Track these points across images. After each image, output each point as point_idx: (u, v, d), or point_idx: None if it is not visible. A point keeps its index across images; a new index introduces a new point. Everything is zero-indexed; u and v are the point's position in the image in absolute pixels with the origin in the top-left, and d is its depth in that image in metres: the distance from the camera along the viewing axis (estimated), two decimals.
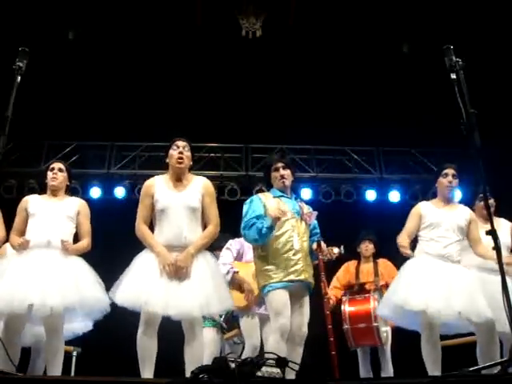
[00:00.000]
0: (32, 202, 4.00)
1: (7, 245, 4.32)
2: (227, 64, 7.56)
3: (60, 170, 4.06)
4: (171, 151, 3.72)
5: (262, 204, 3.79)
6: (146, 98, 7.82)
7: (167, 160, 3.76)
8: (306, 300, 3.76)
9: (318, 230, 4.01)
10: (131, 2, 6.90)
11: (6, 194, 7.77)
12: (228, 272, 4.46)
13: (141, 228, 3.62)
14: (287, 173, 3.91)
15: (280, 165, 3.92)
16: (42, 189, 7.46)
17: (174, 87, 7.67)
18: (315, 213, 3.94)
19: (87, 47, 7.19)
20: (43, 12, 6.64)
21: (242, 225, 3.78)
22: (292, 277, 3.63)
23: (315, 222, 3.99)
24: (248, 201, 3.89)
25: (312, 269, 3.81)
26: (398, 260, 5.01)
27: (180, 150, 3.68)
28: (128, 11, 6.96)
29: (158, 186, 3.68)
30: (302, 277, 3.65)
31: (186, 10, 6.96)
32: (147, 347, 3.41)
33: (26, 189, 7.72)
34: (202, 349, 3.57)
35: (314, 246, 3.84)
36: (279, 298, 3.59)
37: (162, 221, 3.60)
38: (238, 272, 4.49)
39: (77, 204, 4.06)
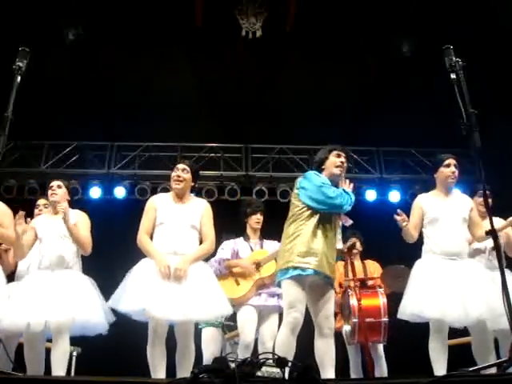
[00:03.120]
0: (39, 224, 4.05)
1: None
2: (227, 64, 7.56)
3: (59, 186, 4.14)
4: (172, 173, 3.95)
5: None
6: (146, 98, 7.82)
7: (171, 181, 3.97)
8: (330, 294, 3.62)
9: None
10: (131, 3, 6.90)
11: (6, 194, 7.77)
12: (219, 263, 4.55)
13: (141, 238, 3.78)
14: (345, 166, 3.76)
15: (344, 154, 3.77)
16: (42, 190, 7.50)
17: (174, 87, 7.68)
18: (350, 221, 3.80)
19: (87, 47, 7.18)
20: (43, 12, 6.63)
21: (330, 194, 3.55)
22: (313, 267, 3.48)
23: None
24: (310, 175, 3.68)
25: (333, 262, 3.65)
26: (398, 259, 5.02)
27: (178, 173, 3.89)
28: (128, 12, 6.96)
29: (162, 200, 3.92)
30: (323, 270, 3.51)
31: (186, 11, 6.95)
32: (156, 355, 3.54)
33: (26, 189, 7.73)
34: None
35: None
36: (295, 292, 3.49)
37: (160, 232, 3.78)
38: (228, 259, 4.60)
39: (75, 218, 4.05)
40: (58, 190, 4.11)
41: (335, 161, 3.72)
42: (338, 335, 5.10)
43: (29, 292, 3.77)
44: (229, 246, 4.73)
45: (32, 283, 3.83)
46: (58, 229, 3.96)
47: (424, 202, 4.06)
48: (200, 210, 3.89)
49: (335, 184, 3.70)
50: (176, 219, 3.78)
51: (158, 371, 3.54)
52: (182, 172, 3.89)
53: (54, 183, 4.15)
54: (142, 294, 3.50)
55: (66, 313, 3.69)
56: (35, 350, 3.76)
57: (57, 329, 3.68)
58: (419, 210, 4.04)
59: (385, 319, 4.78)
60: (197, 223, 3.83)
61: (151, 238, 3.81)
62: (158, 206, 3.86)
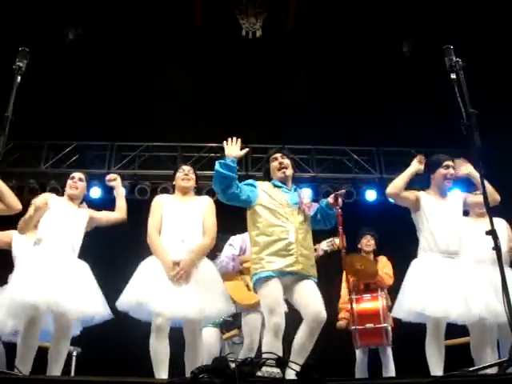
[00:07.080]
0: (55, 203, 4.11)
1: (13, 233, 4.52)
2: (227, 64, 7.56)
3: (80, 179, 4.25)
4: (177, 174, 4.13)
5: (256, 188, 3.82)
6: (146, 98, 7.82)
7: (174, 183, 4.16)
8: (310, 284, 3.57)
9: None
10: (131, 3, 6.90)
11: None
12: (233, 259, 4.55)
13: (151, 234, 3.82)
14: (287, 162, 3.86)
15: (279, 154, 3.90)
16: (42, 190, 7.50)
17: (174, 87, 7.67)
18: (315, 204, 3.88)
19: (87, 47, 7.18)
20: (43, 12, 6.63)
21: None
22: (283, 267, 3.49)
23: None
24: None
25: (310, 260, 3.64)
26: (398, 259, 5.03)
27: (185, 173, 4.11)
28: (128, 12, 6.96)
29: (166, 199, 4.06)
30: (294, 268, 3.50)
31: (186, 11, 6.95)
32: (159, 351, 3.54)
33: (26, 189, 7.73)
34: (202, 353, 3.74)
35: (330, 199, 3.77)
36: (272, 294, 3.46)
37: (165, 226, 3.86)
38: (239, 255, 4.59)
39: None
40: (79, 183, 4.21)
41: (274, 166, 3.89)
42: (344, 335, 5.10)
43: (49, 274, 3.68)
44: (237, 243, 4.72)
45: (46, 266, 3.74)
46: (73, 217, 4.05)
47: (423, 197, 4.05)
48: (203, 205, 4.03)
49: (287, 186, 3.83)
50: (181, 216, 3.90)
51: (161, 368, 3.52)
52: (189, 172, 4.13)
53: (76, 175, 4.23)
54: (145, 289, 3.56)
55: (83, 303, 3.68)
56: (34, 340, 3.70)
57: (68, 319, 3.67)
58: (414, 197, 4.04)
59: (385, 324, 4.74)
60: (200, 219, 3.96)
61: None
62: (164, 204, 3.98)
